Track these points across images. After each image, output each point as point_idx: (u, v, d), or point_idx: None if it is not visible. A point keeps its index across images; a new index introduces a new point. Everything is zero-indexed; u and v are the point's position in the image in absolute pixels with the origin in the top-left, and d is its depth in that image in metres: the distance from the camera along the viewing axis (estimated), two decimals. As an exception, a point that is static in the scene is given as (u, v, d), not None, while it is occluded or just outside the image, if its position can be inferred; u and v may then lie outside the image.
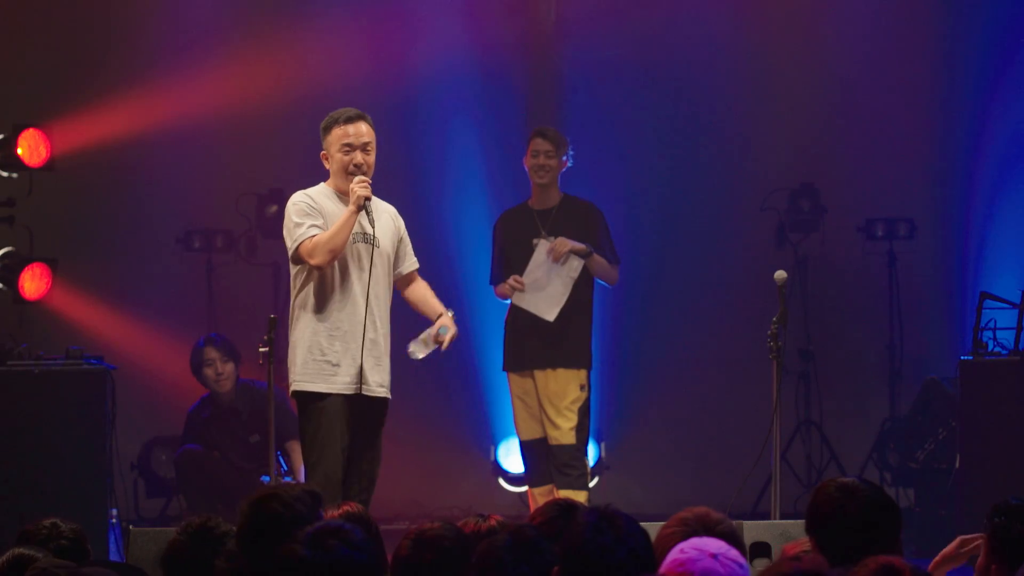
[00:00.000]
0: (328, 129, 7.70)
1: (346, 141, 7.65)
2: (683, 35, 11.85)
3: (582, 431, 9.41)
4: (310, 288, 7.54)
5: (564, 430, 9.36)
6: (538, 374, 9.43)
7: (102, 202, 11.71)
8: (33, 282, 9.82)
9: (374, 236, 7.60)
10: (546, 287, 9.42)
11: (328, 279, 7.53)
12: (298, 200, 7.61)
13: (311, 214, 7.54)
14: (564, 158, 9.53)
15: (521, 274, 9.46)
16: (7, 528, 8.03)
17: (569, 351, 9.43)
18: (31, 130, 9.84)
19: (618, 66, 11.92)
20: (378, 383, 7.60)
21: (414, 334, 7.75)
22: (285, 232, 7.61)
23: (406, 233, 7.86)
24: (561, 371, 9.40)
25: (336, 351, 7.52)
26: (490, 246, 9.79)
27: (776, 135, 11.81)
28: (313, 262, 7.45)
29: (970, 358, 9.60)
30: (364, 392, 7.55)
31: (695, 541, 3.75)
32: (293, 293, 7.61)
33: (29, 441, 9.14)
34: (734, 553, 3.75)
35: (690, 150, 11.90)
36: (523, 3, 11.98)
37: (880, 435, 11.22)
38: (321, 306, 7.53)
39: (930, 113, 11.86)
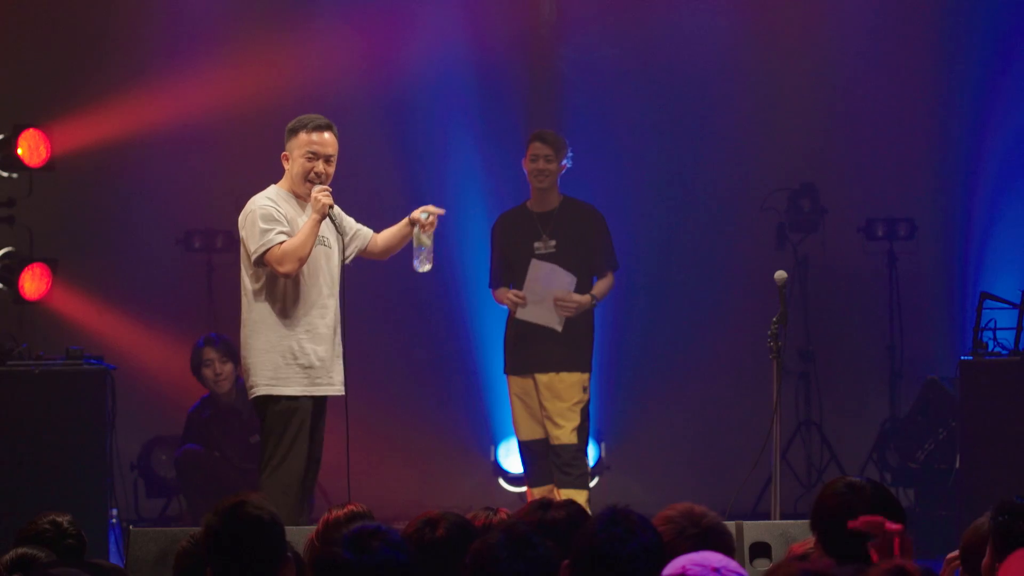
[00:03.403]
0: (294, 132, 7.77)
1: (311, 149, 7.72)
2: (683, 35, 11.84)
3: (583, 431, 9.43)
4: (274, 292, 7.61)
5: (566, 430, 9.37)
6: (540, 377, 9.43)
7: (102, 202, 11.71)
8: (33, 282, 9.82)
9: (331, 241, 7.73)
10: (546, 299, 9.41)
11: (294, 283, 7.60)
12: (263, 204, 7.67)
13: (278, 219, 7.61)
14: (564, 161, 9.50)
15: (521, 281, 9.46)
16: (7, 528, 8.04)
17: (572, 354, 9.43)
18: (31, 130, 9.84)
19: (617, 66, 11.92)
20: (340, 382, 7.72)
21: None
22: (247, 236, 7.64)
23: (346, 218, 7.90)
24: (564, 375, 9.41)
25: (308, 354, 7.59)
26: (489, 247, 9.79)
27: (776, 135, 11.80)
28: (282, 270, 7.51)
29: (970, 358, 9.60)
30: (331, 393, 7.68)
31: (696, 556, 3.79)
32: (250, 297, 7.66)
33: (29, 441, 9.13)
34: (734, 565, 3.81)
35: (690, 150, 11.90)
36: (523, 3, 11.98)
37: (880, 435, 11.22)
38: (288, 310, 7.60)
39: (930, 113, 11.86)
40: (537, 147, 9.48)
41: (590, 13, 11.95)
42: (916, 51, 11.84)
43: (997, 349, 9.67)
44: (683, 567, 3.75)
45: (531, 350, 9.44)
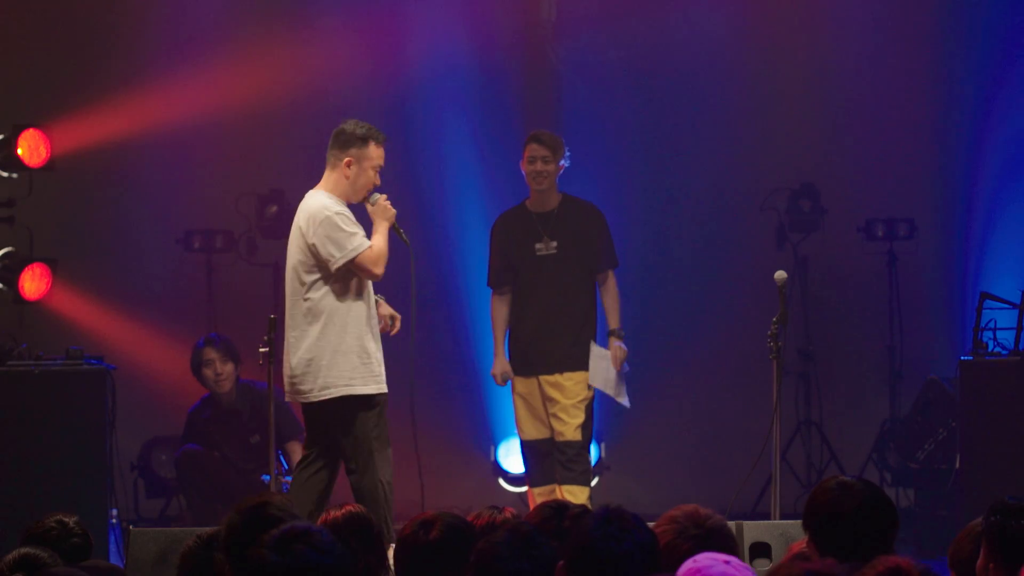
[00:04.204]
0: (365, 142, 7.87)
1: (379, 163, 7.99)
2: (682, 35, 11.85)
3: (587, 428, 9.44)
4: (344, 295, 7.77)
5: (571, 427, 9.36)
6: (544, 377, 9.43)
7: (102, 202, 11.71)
8: (33, 282, 9.82)
9: None
10: (611, 377, 9.49)
11: (359, 287, 7.81)
12: (340, 210, 7.82)
13: (356, 224, 7.83)
14: (561, 162, 9.48)
15: (522, 283, 9.46)
16: (8, 528, 8.04)
17: (576, 353, 9.43)
18: (31, 130, 9.84)
19: (617, 66, 11.92)
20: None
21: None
22: (326, 240, 7.74)
23: None
24: (568, 374, 9.41)
25: (373, 354, 7.84)
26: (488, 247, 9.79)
27: (776, 135, 11.80)
28: (377, 271, 7.77)
29: (970, 358, 9.61)
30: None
31: (710, 552, 3.84)
32: (315, 300, 7.78)
33: (29, 441, 9.13)
34: (742, 562, 3.87)
35: (690, 150, 11.90)
36: (522, 3, 11.98)
37: (880, 435, 11.22)
38: (357, 313, 7.79)
39: (930, 113, 11.86)
40: (534, 148, 9.46)
41: (589, 13, 11.95)
42: (916, 51, 11.84)
43: (997, 349, 9.68)
44: (694, 560, 3.81)
45: (536, 352, 9.44)
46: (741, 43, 11.90)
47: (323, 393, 7.75)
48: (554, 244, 9.47)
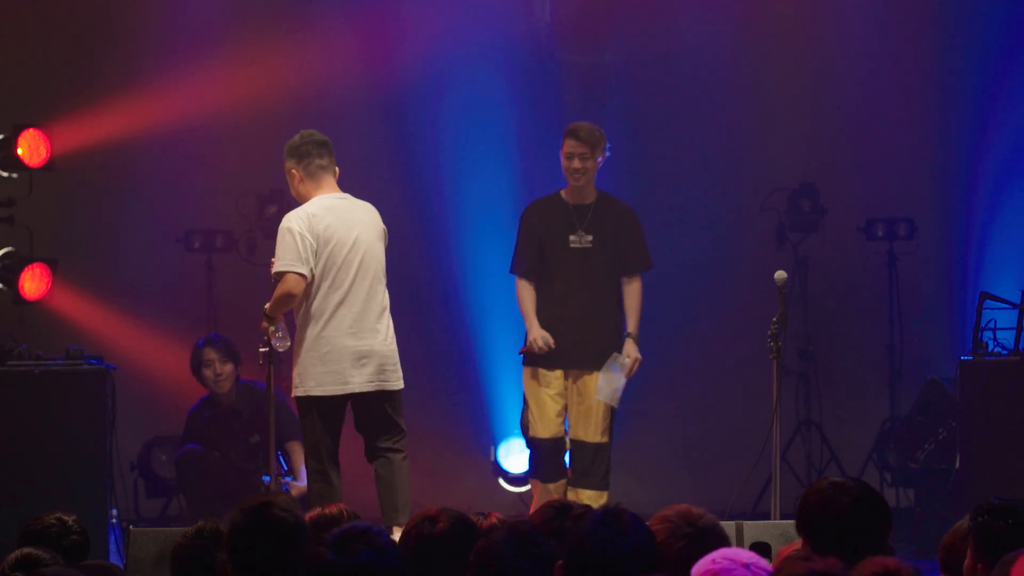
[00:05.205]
0: None
1: None
2: (682, 36, 11.84)
3: (610, 430, 9.34)
4: None
5: (599, 429, 9.26)
6: (574, 374, 9.31)
7: (102, 202, 11.71)
8: (33, 282, 9.82)
9: None
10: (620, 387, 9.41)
11: None
12: None
13: None
14: (599, 158, 9.35)
15: (553, 272, 9.34)
16: (7, 528, 8.04)
17: (604, 351, 9.32)
18: (31, 130, 9.83)
19: (616, 67, 11.91)
20: None
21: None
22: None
23: None
24: (597, 373, 9.29)
25: None
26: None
27: (776, 135, 11.80)
28: None
29: (970, 358, 9.61)
30: None
31: (726, 551, 3.84)
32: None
33: (29, 441, 9.13)
34: (764, 563, 3.86)
35: (690, 150, 11.89)
36: (519, 4, 11.98)
37: (880, 435, 11.22)
38: None
39: (930, 113, 11.86)
40: (571, 145, 9.27)
41: (588, 13, 11.94)
42: (916, 51, 11.84)
43: (997, 349, 9.68)
44: (712, 560, 3.80)
45: (572, 347, 9.30)
46: (741, 43, 11.90)
47: (401, 380, 8.34)
48: (589, 238, 9.35)
